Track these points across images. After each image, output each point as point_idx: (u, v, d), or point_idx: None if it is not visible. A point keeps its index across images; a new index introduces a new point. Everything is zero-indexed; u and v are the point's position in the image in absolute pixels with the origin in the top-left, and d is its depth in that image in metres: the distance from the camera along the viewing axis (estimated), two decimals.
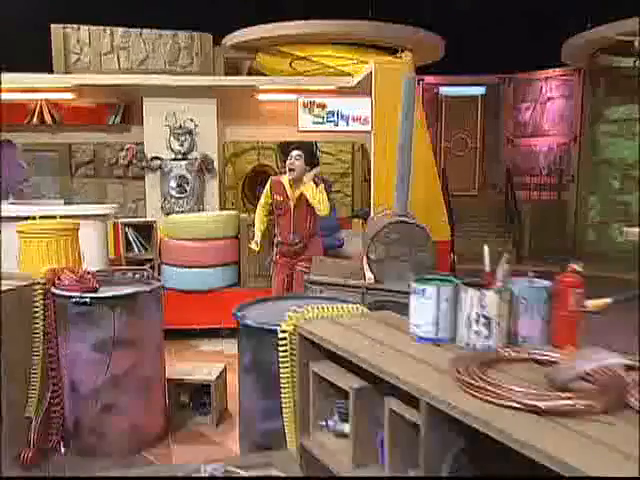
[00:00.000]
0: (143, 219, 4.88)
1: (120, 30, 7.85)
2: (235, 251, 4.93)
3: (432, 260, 3.54)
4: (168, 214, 5.71)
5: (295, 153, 4.04)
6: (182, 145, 5.72)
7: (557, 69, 10.88)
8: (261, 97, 6.01)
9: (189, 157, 5.74)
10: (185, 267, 4.72)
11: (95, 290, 2.89)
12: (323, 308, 2.11)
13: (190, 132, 5.71)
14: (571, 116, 10.70)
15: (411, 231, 3.52)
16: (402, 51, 8.62)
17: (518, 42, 9.92)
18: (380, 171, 4.77)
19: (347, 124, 4.74)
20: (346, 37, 8.48)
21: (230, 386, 3.32)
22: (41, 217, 3.70)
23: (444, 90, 11.70)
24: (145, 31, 7.91)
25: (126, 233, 4.69)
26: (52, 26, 7.71)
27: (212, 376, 3.23)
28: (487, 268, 1.72)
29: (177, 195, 5.68)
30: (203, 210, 5.79)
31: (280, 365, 2.12)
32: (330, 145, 6.65)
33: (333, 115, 4.73)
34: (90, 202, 5.50)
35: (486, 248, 1.75)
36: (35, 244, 3.22)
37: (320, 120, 4.73)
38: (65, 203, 4.95)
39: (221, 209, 5.93)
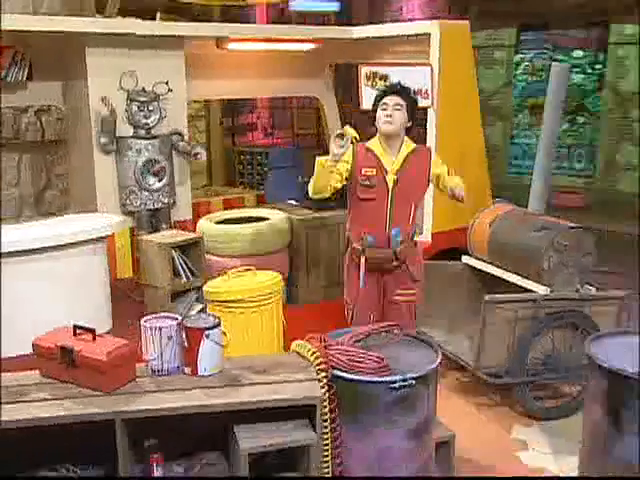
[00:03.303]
0: (189, 236, 4.45)
1: None
2: (285, 265, 4.91)
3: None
4: (131, 212, 5.26)
5: (394, 102, 3.48)
6: (148, 117, 5.21)
7: None
8: (230, 47, 5.76)
9: (154, 132, 5.27)
10: None
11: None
12: None
13: (157, 98, 5.22)
14: None
15: (580, 235, 4.24)
16: None
17: None
18: (442, 154, 5.25)
19: None
20: None
21: None
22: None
23: (295, 4, 12.00)
24: None
25: (173, 258, 4.29)
26: None
27: None
28: None
29: (153, 187, 5.22)
30: (175, 204, 5.45)
31: None
32: None
33: None
34: None
35: None
36: (252, 317, 3.03)
37: None
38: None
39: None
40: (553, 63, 4.53)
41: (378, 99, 3.56)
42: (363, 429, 2.89)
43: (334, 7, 12.34)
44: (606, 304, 4.25)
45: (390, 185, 3.52)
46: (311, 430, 2.67)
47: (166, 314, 2.89)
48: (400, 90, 3.56)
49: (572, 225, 4.28)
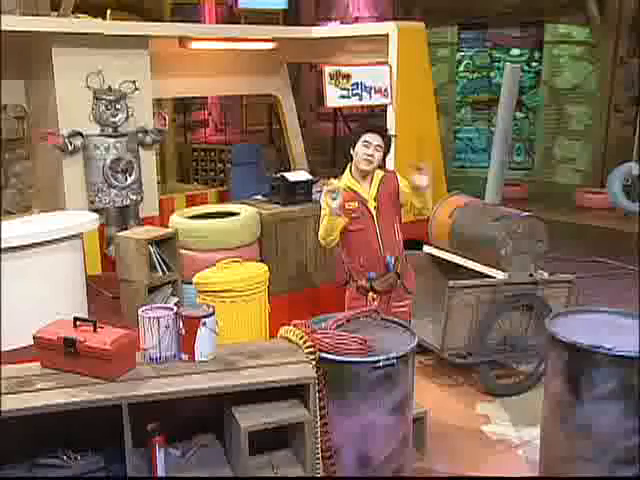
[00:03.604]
0: (164, 231, 4.55)
1: None
2: (255, 257, 5.05)
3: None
4: (99, 210, 5.32)
5: (376, 142, 3.65)
6: (115, 116, 5.28)
7: None
8: (193, 46, 5.86)
9: (121, 130, 5.34)
10: None
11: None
12: None
13: (124, 97, 5.30)
14: None
15: (533, 224, 4.56)
16: None
17: None
18: (402, 149, 5.50)
19: (370, 97, 5.28)
20: None
21: None
22: None
23: (243, 2, 12.09)
24: None
25: (150, 253, 4.39)
26: None
27: None
28: None
29: (121, 184, 5.30)
30: (142, 200, 5.54)
31: None
32: None
33: (357, 87, 5.21)
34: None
35: None
36: (241, 306, 3.19)
37: (346, 93, 5.16)
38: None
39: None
40: (506, 64, 4.83)
41: (360, 134, 3.69)
42: (349, 406, 3.10)
43: (282, 4, 12.48)
44: (557, 287, 4.58)
45: (373, 212, 3.71)
46: (304, 408, 2.86)
47: (161, 305, 3.02)
48: (382, 130, 3.73)
49: (526, 214, 4.59)
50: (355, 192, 3.71)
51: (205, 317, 2.88)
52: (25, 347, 3.77)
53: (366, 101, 5.28)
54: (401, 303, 3.85)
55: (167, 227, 4.87)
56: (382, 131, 3.72)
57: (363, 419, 3.12)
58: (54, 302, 4.19)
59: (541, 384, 4.47)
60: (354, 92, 5.19)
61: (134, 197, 5.40)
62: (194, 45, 5.79)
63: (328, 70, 5.06)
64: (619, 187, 8.20)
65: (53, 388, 2.68)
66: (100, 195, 5.27)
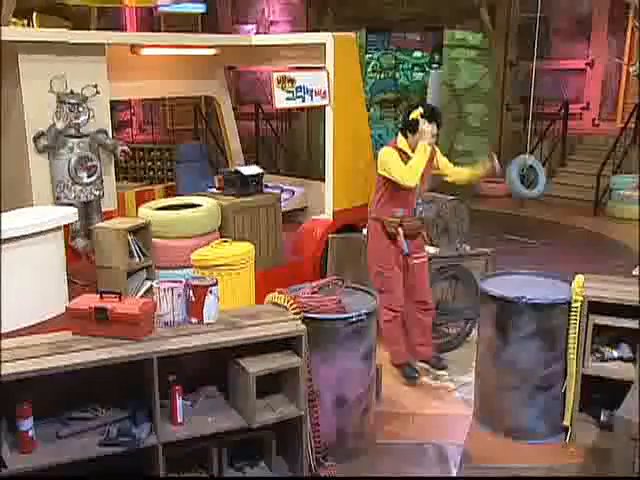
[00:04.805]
0: (138, 221, 4.97)
1: None
2: None
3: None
4: (64, 205, 5.65)
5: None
6: (78, 117, 5.64)
7: None
8: (143, 52, 6.28)
9: (83, 131, 5.70)
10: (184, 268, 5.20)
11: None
12: None
13: (85, 100, 5.66)
14: None
15: (457, 206, 5.34)
16: None
17: None
18: (339, 144, 6.15)
19: (312, 99, 5.91)
20: None
21: None
22: None
23: (163, 6, 12.35)
24: None
25: (128, 241, 4.82)
26: None
27: None
28: None
29: (85, 181, 5.66)
30: (103, 196, 5.92)
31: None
32: None
33: (301, 90, 5.82)
34: None
35: None
36: (233, 278, 3.74)
37: (291, 96, 5.76)
38: None
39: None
40: (431, 71, 5.57)
41: (429, 115, 4.55)
42: (327, 356, 3.73)
43: (201, 9, 12.83)
44: (477, 259, 5.38)
45: None
46: (297, 356, 3.45)
47: (172, 279, 3.53)
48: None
49: (451, 198, 5.36)
50: (407, 156, 4.50)
51: (212, 286, 3.42)
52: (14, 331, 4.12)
53: (308, 102, 5.89)
54: (420, 254, 4.71)
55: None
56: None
57: (339, 366, 3.75)
58: (42, 290, 4.56)
59: (467, 342, 5.28)
60: (298, 94, 5.80)
61: (97, 192, 5.77)
62: (144, 52, 6.20)
63: (276, 75, 5.63)
64: (516, 176, 9.23)
65: (90, 349, 3.14)
66: (66, 191, 5.60)
